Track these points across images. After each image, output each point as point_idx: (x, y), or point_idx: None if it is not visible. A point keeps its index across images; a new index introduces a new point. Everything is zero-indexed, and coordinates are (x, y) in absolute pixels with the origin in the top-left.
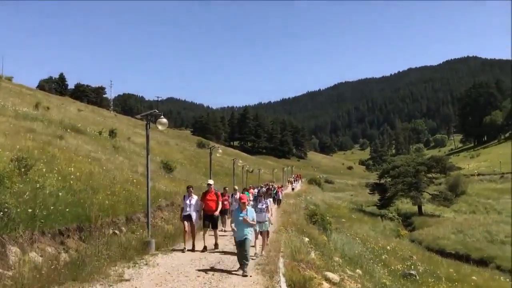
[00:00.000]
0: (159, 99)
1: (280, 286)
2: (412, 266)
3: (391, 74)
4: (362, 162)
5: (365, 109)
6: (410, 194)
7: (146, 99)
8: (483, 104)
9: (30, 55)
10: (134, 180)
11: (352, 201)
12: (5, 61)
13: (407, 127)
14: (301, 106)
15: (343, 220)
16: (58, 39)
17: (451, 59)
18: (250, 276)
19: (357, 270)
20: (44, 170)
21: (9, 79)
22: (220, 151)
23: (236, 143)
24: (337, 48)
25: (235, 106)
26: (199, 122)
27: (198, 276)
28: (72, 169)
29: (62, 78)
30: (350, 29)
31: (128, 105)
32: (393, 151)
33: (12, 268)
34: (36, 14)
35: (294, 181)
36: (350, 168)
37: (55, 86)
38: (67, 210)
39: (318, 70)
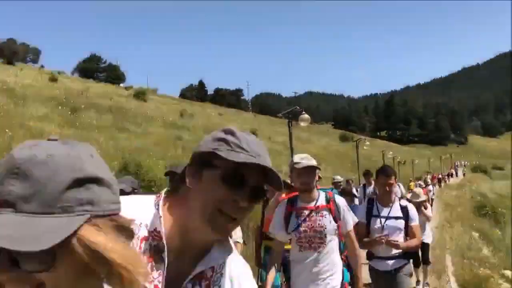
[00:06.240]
0: (297, 94)
1: (451, 287)
2: None
3: None
4: None
5: None
6: None
7: (284, 96)
8: None
9: (171, 66)
10: None
11: None
12: (150, 74)
13: None
14: (456, 85)
15: None
16: (196, 48)
17: None
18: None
19: None
20: None
21: (155, 91)
22: (368, 143)
23: (383, 133)
24: (495, 13)
25: (379, 93)
26: (340, 114)
27: None
28: None
29: (201, 84)
30: None
31: (266, 104)
32: None
33: None
34: (169, 28)
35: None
36: None
37: (196, 93)
38: None
39: (474, 41)
